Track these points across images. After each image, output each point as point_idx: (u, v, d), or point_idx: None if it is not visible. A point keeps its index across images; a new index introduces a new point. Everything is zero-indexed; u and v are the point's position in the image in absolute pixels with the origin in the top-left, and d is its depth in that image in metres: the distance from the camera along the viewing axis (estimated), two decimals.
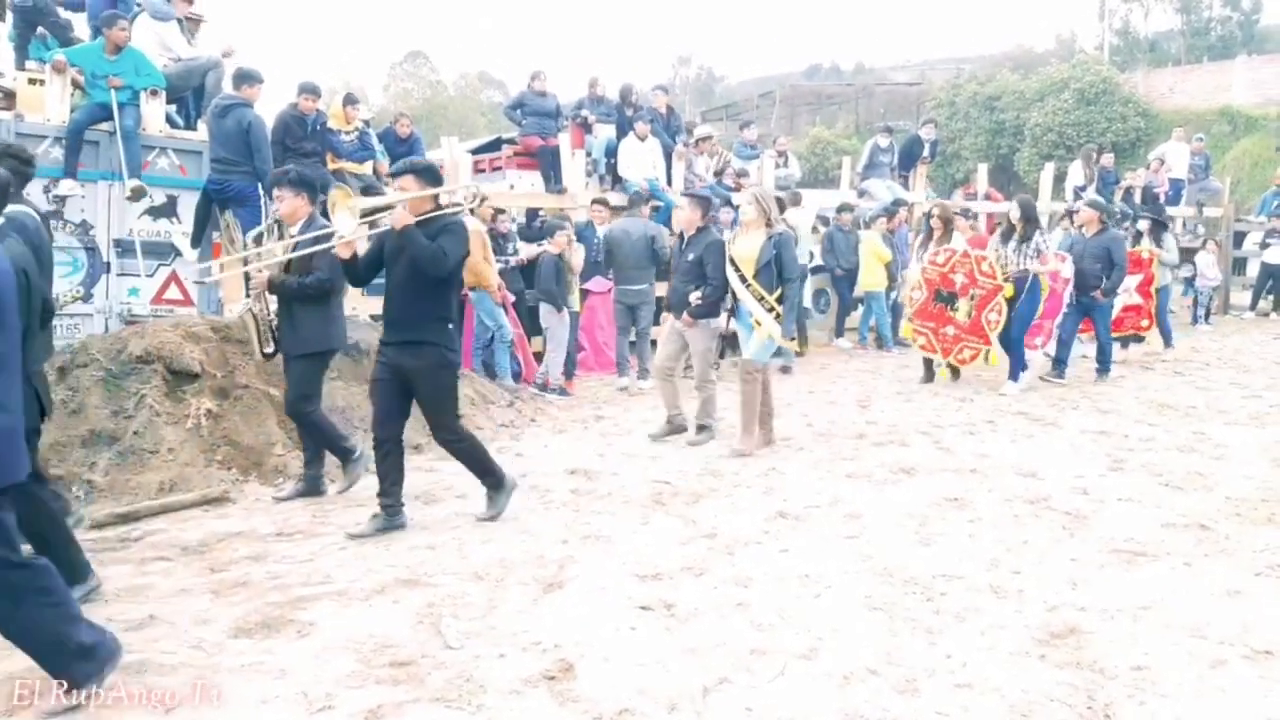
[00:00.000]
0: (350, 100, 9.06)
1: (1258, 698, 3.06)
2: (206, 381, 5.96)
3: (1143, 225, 10.81)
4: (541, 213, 10.58)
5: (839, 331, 12.14)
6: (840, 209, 11.93)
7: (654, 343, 10.40)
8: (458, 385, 4.92)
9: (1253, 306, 15.27)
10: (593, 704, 3.04)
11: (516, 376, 9.06)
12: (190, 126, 8.61)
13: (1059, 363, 9.11)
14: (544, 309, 8.84)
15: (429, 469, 6.11)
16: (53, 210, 7.43)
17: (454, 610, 3.78)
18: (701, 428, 6.84)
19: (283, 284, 5.25)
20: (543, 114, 10.98)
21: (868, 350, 11.54)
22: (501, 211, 9.92)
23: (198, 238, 8.00)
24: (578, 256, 8.92)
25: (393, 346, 4.71)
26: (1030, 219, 8.47)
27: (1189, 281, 14.86)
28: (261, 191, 7.73)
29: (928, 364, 9.09)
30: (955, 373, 9.09)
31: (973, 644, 3.45)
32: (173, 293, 8.06)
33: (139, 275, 7.85)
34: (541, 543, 4.63)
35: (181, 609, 3.82)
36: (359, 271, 4.85)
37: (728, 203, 11.16)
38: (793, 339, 6.74)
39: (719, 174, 12.02)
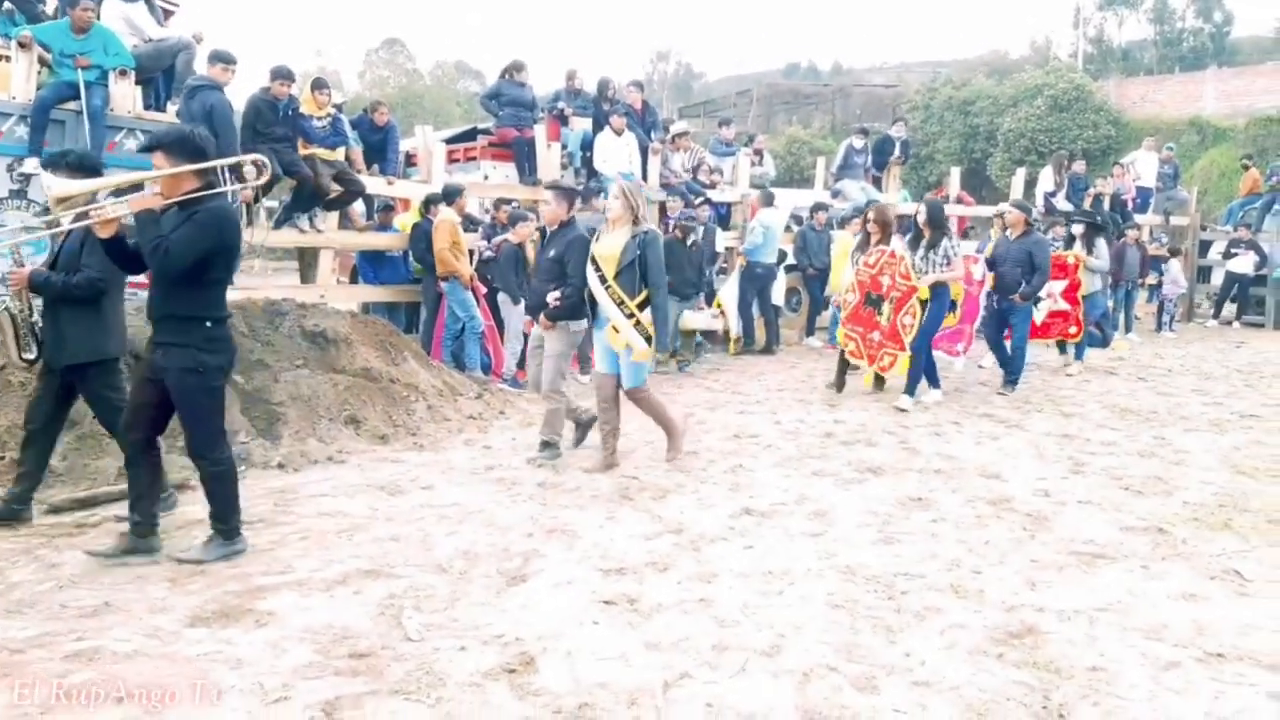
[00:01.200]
0: (318, 85, 8.97)
1: (1210, 699, 3.10)
2: None
3: (1076, 229, 10.45)
4: (514, 203, 10.54)
5: (810, 330, 12.21)
6: (814, 208, 11.99)
7: None
8: (219, 396, 4.23)
9: (1216, 314, 15.52)
10: (553, 698, 3.03)
11: (486, 369, 9.04)
12: (160, 109, 8.48)
13: (1011, 372, 8.79)
14: (502, 300, 8.83)
15: (395, 459, 6.08)
16: (16, 189, 7.31)
17: (416, 602, 3.76)
18: (545, 444, 6.14)
19: (46, 282, 4.55)
20: (519, 105, 10.94)
21: (838, 349, 11.56)
22: (507, 202, 9.89)
23: None
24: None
25: (154, 346, 4.12)
26: (938, 224, 8.04)
27: (1154, 289, 15.06)
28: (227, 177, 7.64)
29: (842, 370, 8.60)
30: (880, 381, 8.61)
31: (932, 643, 3.47)
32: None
33: None
34: (507, 536, 4.61)
35: (137, 596, 3.77)
36: (128, 258, 4.18)
37: (706, 201, 11.18)
38: (674, 354, 6.28)
39: (694, 171, 12.03)
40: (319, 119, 8.83)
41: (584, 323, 6.10)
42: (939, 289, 7.97)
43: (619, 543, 4.52)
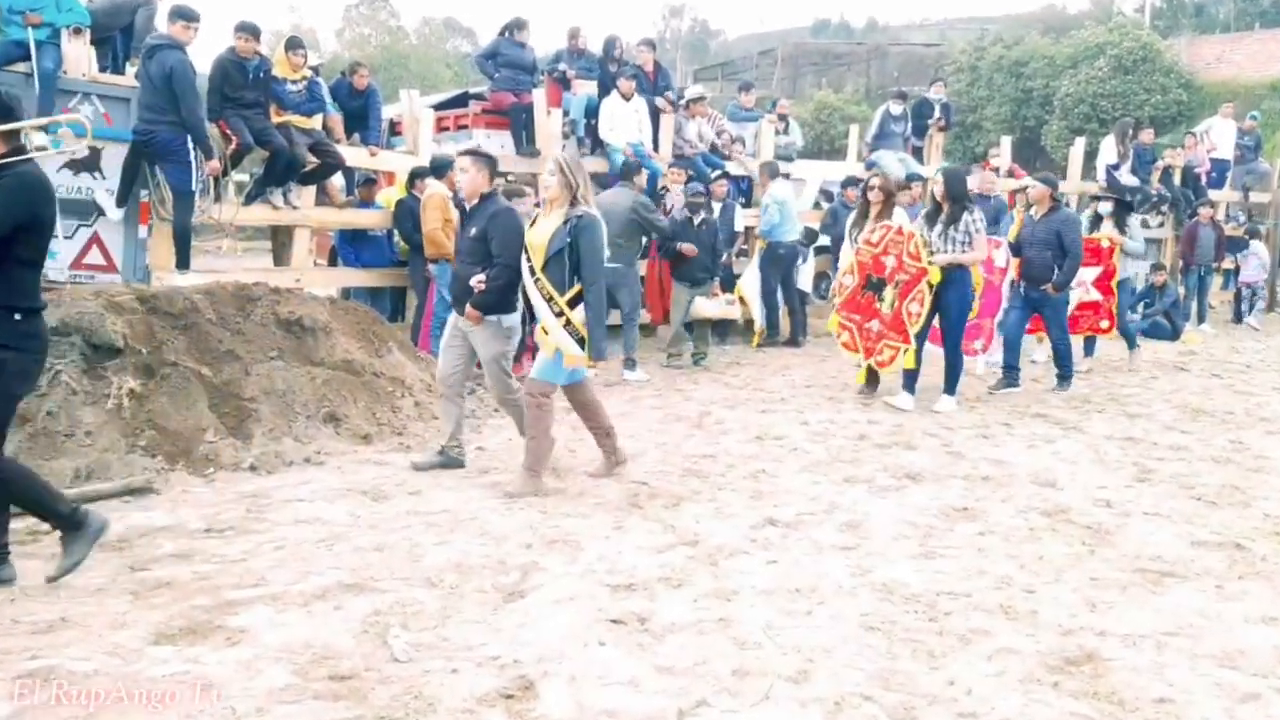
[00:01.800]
0: (293, 44, 9.00)
1: None
2: (130, 358, 5.92)
3: (1104, 207, 10.12)
4: (510, 176, 10.55)
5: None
6: (846, 183, 11.96)
7: (643, 326, 10.47)
8: (13, 404, 3.99)
9: None
10: None
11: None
12: (118, 70, 8.53)
13: (1009, 369, 8.68)
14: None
15: (379, 461, 6.12)
16: None
17: (403, 619, 3.78)
18: (442, 450, 6.05)
19: None
20: (518, 67, 10.97)
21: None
22: (502, 176, 9.89)
23: (124, 196, 7.95)
24: None
25: None
26: (958, 196, 7.79)
27: (1231, 274, 15.00)
28: (192, 146, 7.68)
29: (871, 373, 8.37)
30: (873, 379, 8.38)
31: (979, 670, 3.47)
32: (94, 257, 8.01)
33: (56, 236, 7.78)
34: (503, 546, 4.63)
35: (97, 611, 3.81)
36: None
37: (724, 175, 11.17)
38: (603, 359, 5.71)
39: (711, 140, 12.02)
40: (293, 82, 8.86)
41: (515, 317, 5.84)
42: (957, 273, 7.71)
43: (627, 555, 4.53)
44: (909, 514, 5.20)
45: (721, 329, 11.00)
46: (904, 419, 7.51)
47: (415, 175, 9.40)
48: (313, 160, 8.91)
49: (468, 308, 5.74)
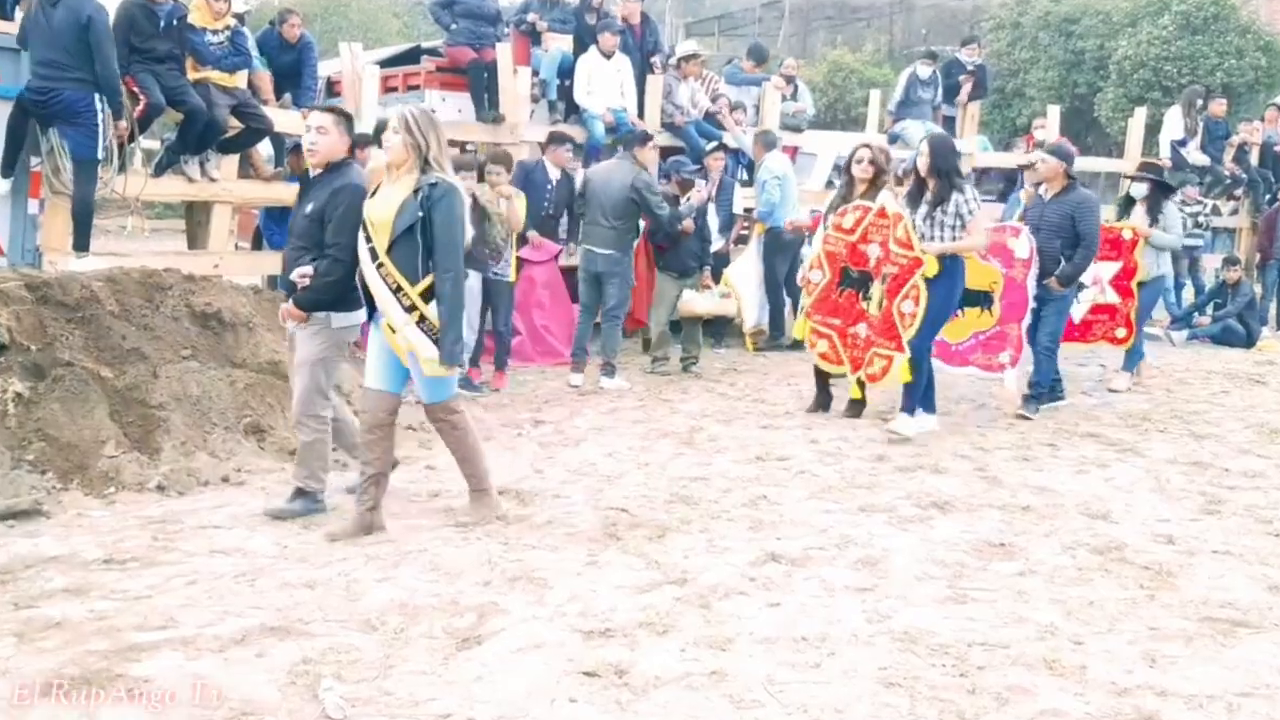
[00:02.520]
0: None
1: None
2: (16, 356, 5.90)
3: (1137, 189, 9.75)
4: (469, 146, 10.56)
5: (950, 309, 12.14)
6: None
7: (626, 328, 10.49)
8: None
9: None
10: None
11: None
12: (5, 16, 8.45)
13: (1037, 387, 8.45)
14: None
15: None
16: None
17: (337, 669, 3.77)
18: (299, 493, 5.66)
19: None
20: (479, 17, 10.98)
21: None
22: (459, 145, 9.89)
23: (10, 164, 7.89)
24: (517, 208, 8.92)
25: None
26: (946, 170, 7.46)
27: None
28: (100, 106, 7.62)
29: (822, 380, 8.27)
30: (859, 401, 8.19)
31: None
32: None
33: None
34: (456, 584, 4.63)
35: None
36: None
37: (721, 147, 11.19)
38: (460, 366, 5.44)
39: (706, 106, 12.03)
40: (214, 33, 8.81)
41: (356, 317, 5.59)
42: (947, 264, 7.45)
43: (604, 595, 4.53)
44: (936, 550, 5.21)
45: (716, 329, 11.00)
46: (929, 438, 7.52)
47: (357, 143, 9.35)
48: (235, 124, 8.87)
49: (287, 305, 5.52)
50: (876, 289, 7.65)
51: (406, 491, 6.05)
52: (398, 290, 5.20)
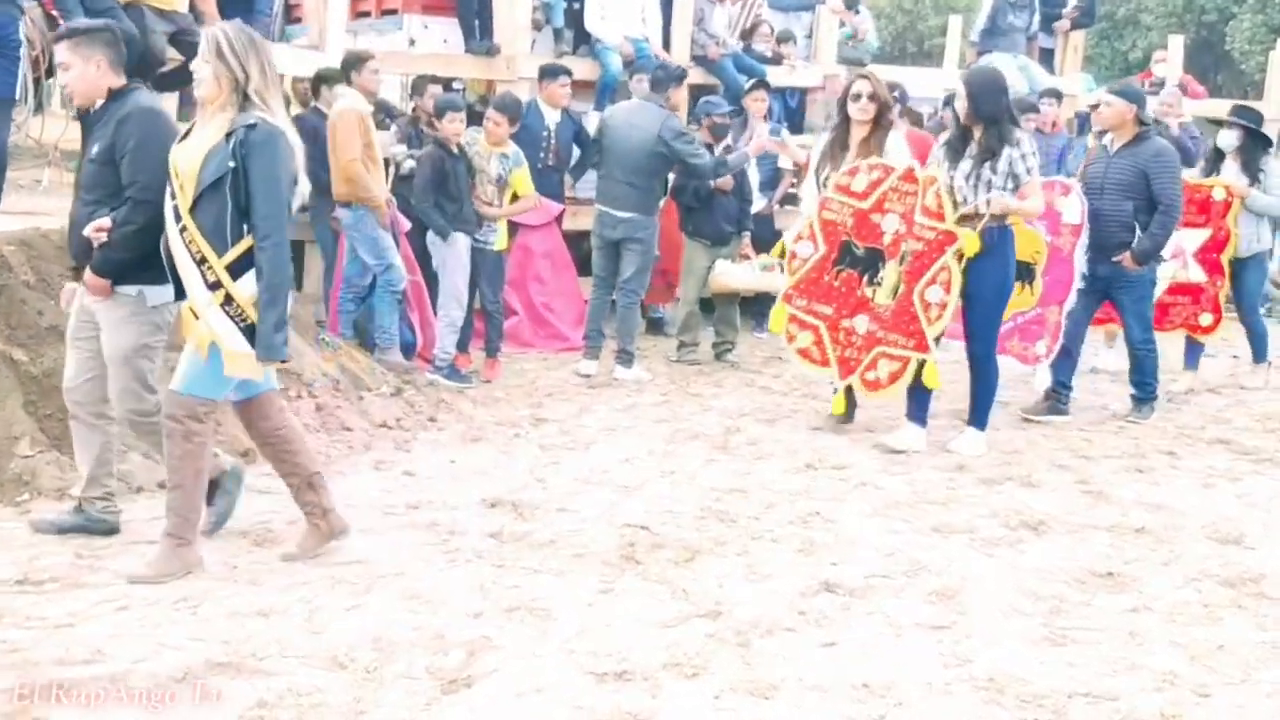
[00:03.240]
0: None
1: None
2: None
3: (1226, 138, 9.31)
4: (457, 85, 10.54)
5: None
6: (946, 101, 11.90)
7: (652, 317, 10.47)
8: None
9: None
10: None
11: (409, 349, 9.12)
12: None
13: (1060, 386, 8.29)
14: (433, 242, 8.91)
15: (264, 489, 6.06)
16: None
17: (298, 715, 3.76)
18: (80, 505, 5.42)
19: None
20: None
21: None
22: (440, 83, 9.87)
23: None
24: (522, 180, 8.94)
25: None
26: (994, 115, 7.17)
27: None
28: (25, 35, 7.55)
29: (846, 394, 7.79)
30: (849, 407, 7.89)
31: None
32: None
33: None
34: (441, 615, 4.63)
35: None
36: None
37: (762, 85, 11.12)
38: (284, 360, 5.07)
39: (747, 36, 11.97)
40: None
41: (168, 291, 5.16)
42: (997, 238, 7.14)
43: (620, 630, 4.52)
44: (1027, 580, 5.18)
45: (757, 308, 10.94)
46: (1020, 442, 7.51)
47: (321, 82, 9.36)
48: (174, 56, 8.86)
49: (87, 273, 5.15)
50: (891, 272, 7.28)
51: (380, 502, 6.04)
52: (202, 262, 4.83)
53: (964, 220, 7.12)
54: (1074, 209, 8.05)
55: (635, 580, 5.06)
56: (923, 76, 13.86)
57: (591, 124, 10.28)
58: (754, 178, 10.24)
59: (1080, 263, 8.05)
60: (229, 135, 4.80)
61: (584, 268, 10.05)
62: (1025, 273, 7.85)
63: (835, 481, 6.64)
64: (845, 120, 7.72)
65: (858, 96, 7.59)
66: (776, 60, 12.07)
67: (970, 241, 7.02)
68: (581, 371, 9.14)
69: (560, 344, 10.06)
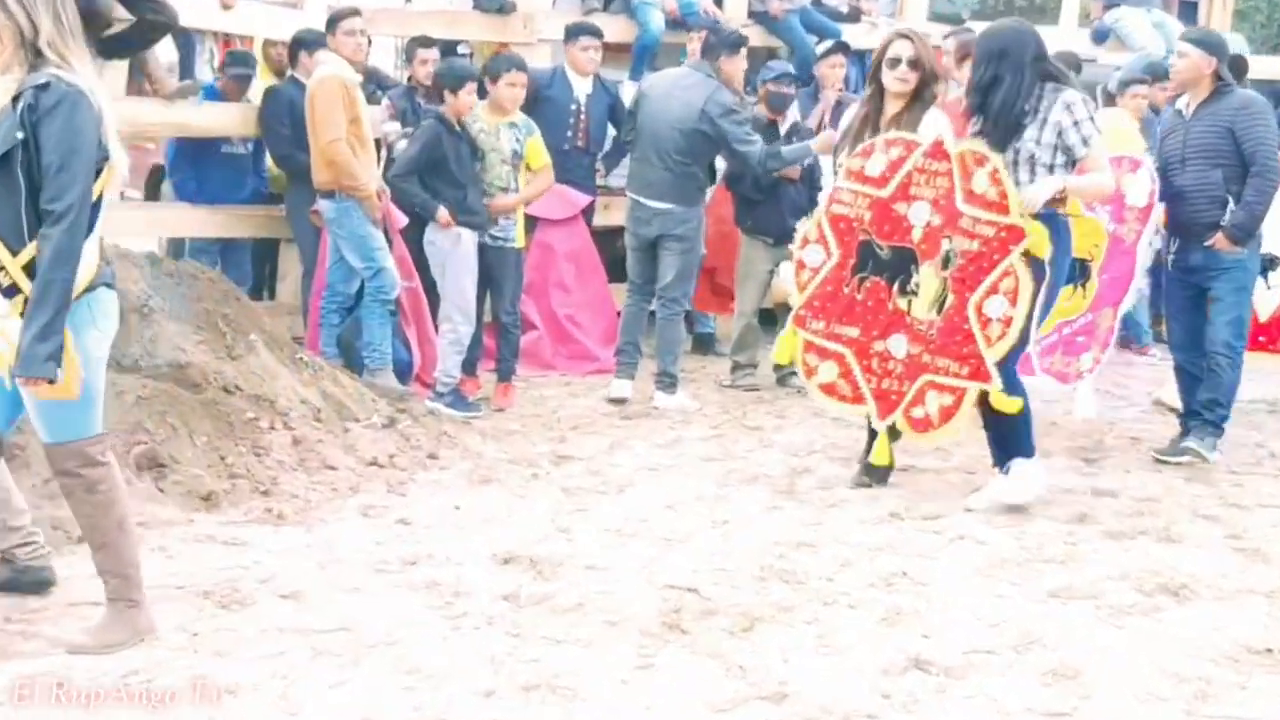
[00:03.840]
0: None
1: None
2: None
3: None
4: (463, 47, 10.59)
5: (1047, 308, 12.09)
6: (1065, 62, 11.85)
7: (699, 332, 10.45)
8: None
9: None
10: None
11: (405, 371, 9.18)
12: None
13: (1216, 409, 7.99)
14: (432, 239, 8.94)
15: (230, 539, 6.15)
16: None
17: None
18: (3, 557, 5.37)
19: None
20: None
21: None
22: (438, 47, 9.92)
23: None
24: (539, 155, 8.98)
25: None
26: (1002, 78, 6.84)
27: None
28: None
29: (869, 436, 7.53)
30: (881, 468, 7.49)
31: None
32: None
33: None
34: (443, 693, 4.63)
35: None
36: None
37: (840, 49, 11.08)
38: (51, 380, 4.48)
39: None
40: None
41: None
42: (1057, 226, 6.93)
43: (662, 715, 4.51)
44: (1167, 657, 5.13)
45: None
46: (1156, 487, 7.49)
47: (299, 46, 9.41)
48: (123, 16, 8.92)
49: None
50: (929, 277, 6.98)
51: (371, 556, 6.05)
52: None
53: None
54: (1141, 188, 8.01)
55: (681, 653, 5.05)
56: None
57: (630, 95, 10.24)
58: (826, 164, 10.18)
59: (1144, 255, 8.02)
60: (16, 99, 4.58)
61: (618, 272, 10.04)
62: (1079, 271, 7.85)
63: (926, 534, 6.60)
64: (878, 91, 7.42)
65: (896, 61, 7.24)
66: (854, 17, 12.14)
67: (1040, 238, 6.75)
68: (613, 398, 9.18)
69: (587, 365, 10.09)
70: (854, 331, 7.19)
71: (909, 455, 7.99)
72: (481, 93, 9.03)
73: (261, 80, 10.29)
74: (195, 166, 10.24)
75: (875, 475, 7.47)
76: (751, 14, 11.39)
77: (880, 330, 7.14)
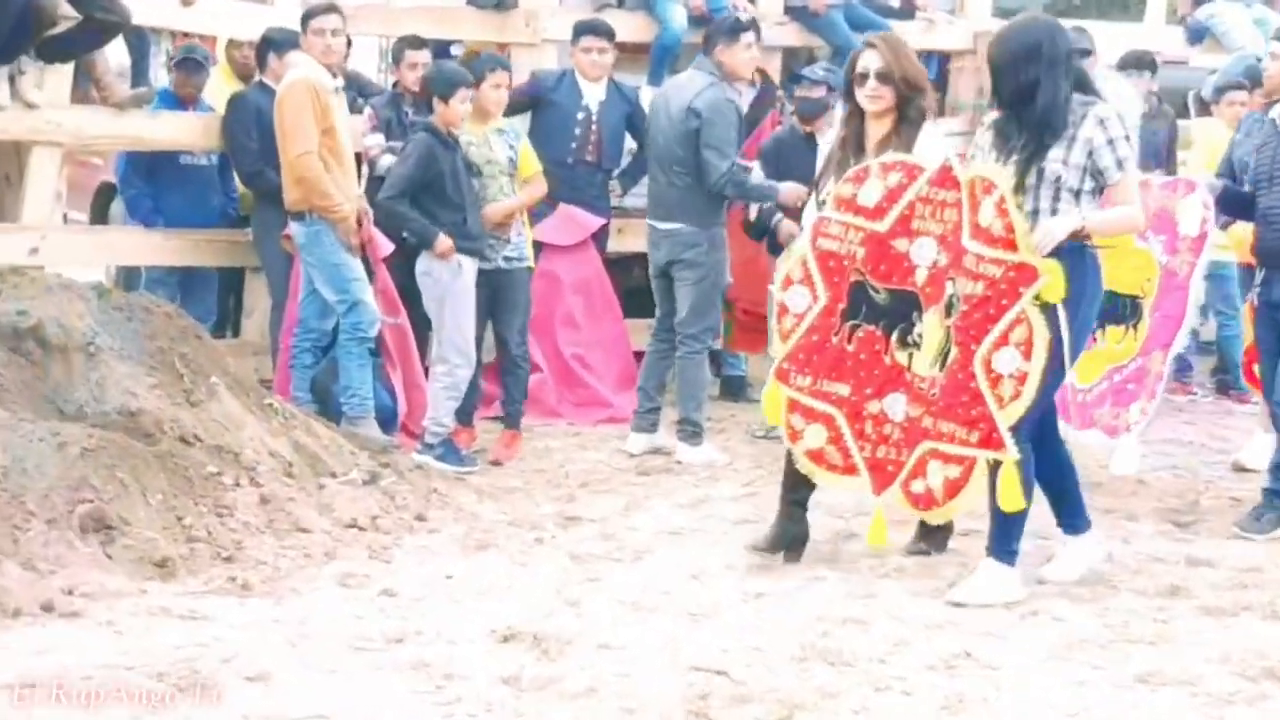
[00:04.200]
0: None
1: None
2: None
3: None
4: (455, 47, 10.62)
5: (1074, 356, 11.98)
6: (1135, 62, 11.87)
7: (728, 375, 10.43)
8: None
9: None
10: None
11: (390, 417, 9.20)
12: None
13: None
14: (428, 264, 8.90)
15: (189, 612, 6.10)
16: None
17: None
18: None
19: None
20: None
21: (1195, 392, 11.68)
22: (430, 49, 9.95)
23: None
24: (531, 164, 8.99)
25: None
26: (1026, 89, 6.56)
27: None
28: None
29: (796, 490, 7.33)
30: (939, 529, 7.41)
31: None
32: None
33: None
34: None
35: None
36: None
37: None
38: None
39: None
40: None
41: None
42: (1074, 260, 6.59)
43: None
44: None
45: None
46: (1258, 556, 7.45)
47: (269, 47, 9.42)
48: (69, 14, 8.94)
49: None
50: (933, 329, 6.79)
51: (350, 633, 6.02)
52: None
53: None
54: (1194, 215, 7.96)
55: None
56: (1116, 32, 13.74)
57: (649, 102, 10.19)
58: None
59: (1197, 291, 7.97)
60: None
61: (635, 305, 10.02)
62: (1131, 310, 7.87)
63: (994, 610, 6.54)
64: (858, 111, 7.31)
65: (864, 76, 7.15)
66: (907, 13, 12.22)
67: (1056, 279, 6.45)
68: (630, 451, 9.15)
69: (599, 413, 10.09)
70: (844, 389, 7.01)
71: (973, 519, 7.96)
72: None
73: (226, 86, 10.26)
74: (151, 183, 10.25)
75: (933, 540, 7.40)
76: (788, 9, 11.40)
77: (875, 388, 6.96)
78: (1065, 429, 7.59)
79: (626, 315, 10.37)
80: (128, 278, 10.48)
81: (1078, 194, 6.60)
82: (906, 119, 7.13)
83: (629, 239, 10.29)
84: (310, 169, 8.61)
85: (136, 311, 7.61)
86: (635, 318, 9.92)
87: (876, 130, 7.17)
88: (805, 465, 7.15)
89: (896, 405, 6.89)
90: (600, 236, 10.33)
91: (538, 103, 9.64)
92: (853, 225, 6.89)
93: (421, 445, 8.75)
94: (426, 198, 8.59)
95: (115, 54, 10.11)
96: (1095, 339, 7.70)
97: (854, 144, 7.25)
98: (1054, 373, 6.58)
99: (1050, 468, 6.84)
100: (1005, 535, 6.76)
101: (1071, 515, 6.96)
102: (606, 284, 10.39)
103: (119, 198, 11.15)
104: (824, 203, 7.15)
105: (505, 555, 7.19)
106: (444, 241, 8.49)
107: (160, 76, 11.04)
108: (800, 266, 7.05)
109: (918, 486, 6.84)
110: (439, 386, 8.80)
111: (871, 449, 6.97)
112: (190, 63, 10.70)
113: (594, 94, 10.08)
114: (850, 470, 7.05)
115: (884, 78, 7.05)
